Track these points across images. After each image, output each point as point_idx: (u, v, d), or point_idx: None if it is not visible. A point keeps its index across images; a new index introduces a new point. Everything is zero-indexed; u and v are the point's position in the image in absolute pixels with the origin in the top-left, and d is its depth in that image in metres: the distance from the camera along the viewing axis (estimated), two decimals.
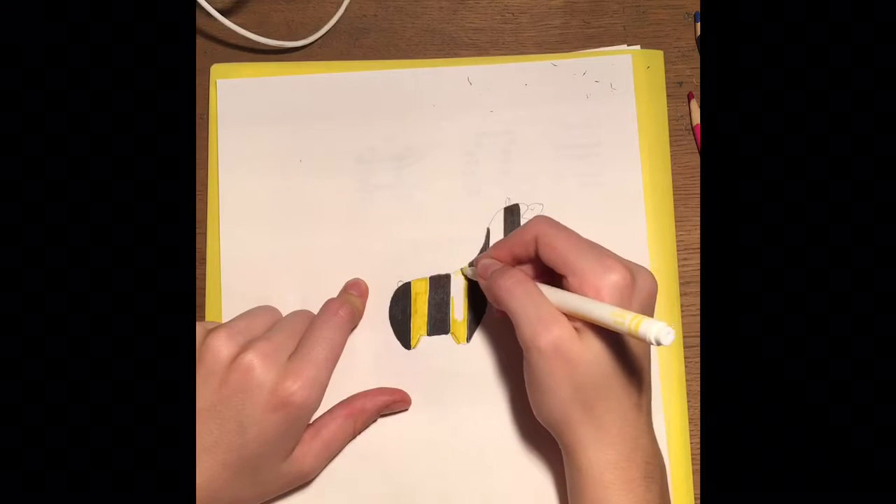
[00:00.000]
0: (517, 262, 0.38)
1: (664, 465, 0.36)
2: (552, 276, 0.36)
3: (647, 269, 0.35)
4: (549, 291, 0.35)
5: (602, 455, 0.34)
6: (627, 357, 0.34)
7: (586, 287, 0.33)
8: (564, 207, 0.43)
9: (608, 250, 0.35)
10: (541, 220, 0.37)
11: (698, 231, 0.43)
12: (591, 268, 0.34)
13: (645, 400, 0.35)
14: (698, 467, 0.41)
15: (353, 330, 0.42)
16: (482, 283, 0.39)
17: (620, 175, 0.43)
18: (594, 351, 0.33)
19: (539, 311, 0.34)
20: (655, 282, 0.35)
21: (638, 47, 0.45)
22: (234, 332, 0.37)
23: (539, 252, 0.36)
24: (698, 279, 0.43)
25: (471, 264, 0.42)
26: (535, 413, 0.37)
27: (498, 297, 0.36)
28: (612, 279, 0.33)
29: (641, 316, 0.29)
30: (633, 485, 0.34)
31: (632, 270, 0.34)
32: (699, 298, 0.42)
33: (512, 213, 0.43)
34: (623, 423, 0.34)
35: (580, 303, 0.33)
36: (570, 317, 0.34)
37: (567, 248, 0.35)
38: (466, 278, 0.42)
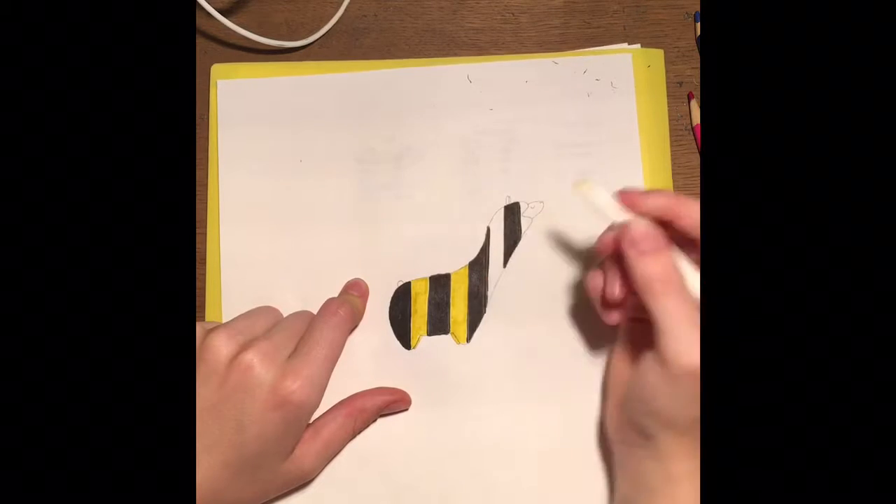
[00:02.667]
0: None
1: None
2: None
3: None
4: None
5: (690, 465, 0.34)
6: None
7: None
8: (565, 206, 0.43)
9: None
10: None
11: None
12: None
13: None
14: None
15: (353, 330, 0.41)
16: (625, 248, 0.34)
17: (620, 174, 0.43)
18: None
19: (694, 329, 0.32)
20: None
21: (638, 46, 0.45)
22: (233, 332, 0.37)
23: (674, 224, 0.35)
24: None
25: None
26: (608, 421, 0.36)
27: (646, 286, 0.33)
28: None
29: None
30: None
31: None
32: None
33: (512, 211, 0.43)
34: (697, 436, 0.33)
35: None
36: None
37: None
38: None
